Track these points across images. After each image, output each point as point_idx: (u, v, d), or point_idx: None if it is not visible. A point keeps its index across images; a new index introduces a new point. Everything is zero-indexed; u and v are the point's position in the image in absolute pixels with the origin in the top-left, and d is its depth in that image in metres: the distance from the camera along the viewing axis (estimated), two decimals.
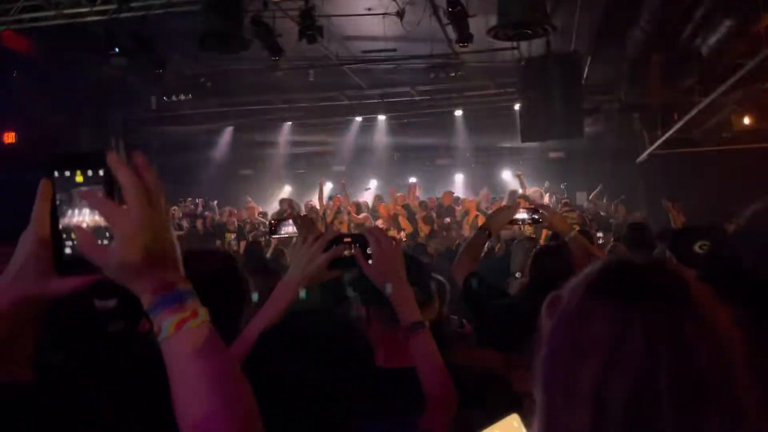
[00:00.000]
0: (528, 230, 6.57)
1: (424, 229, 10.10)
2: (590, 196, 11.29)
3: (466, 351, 2.09)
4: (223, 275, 1.87)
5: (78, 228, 0.91)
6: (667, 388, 0.78)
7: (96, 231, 0.93)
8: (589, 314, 0.84)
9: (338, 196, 11.53)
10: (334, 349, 1.65)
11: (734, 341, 0.82)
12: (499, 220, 2.88)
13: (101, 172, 0.94)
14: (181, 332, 0.88)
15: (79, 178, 0.95)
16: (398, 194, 11.65)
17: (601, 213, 10.80)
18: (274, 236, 3.17)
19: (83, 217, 0.95)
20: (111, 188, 0.94)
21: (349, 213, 10.88)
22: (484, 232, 2.80)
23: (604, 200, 11.30)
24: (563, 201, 11.13)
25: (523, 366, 0.95)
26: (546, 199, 11.15)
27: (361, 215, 10.78)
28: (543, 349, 0.88)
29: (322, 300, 2.80)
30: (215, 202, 12.80)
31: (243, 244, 10.69)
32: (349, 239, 1.52)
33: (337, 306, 2.45)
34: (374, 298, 1.58)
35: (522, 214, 2.79)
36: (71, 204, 0.95)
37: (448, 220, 10.15)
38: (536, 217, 2.76)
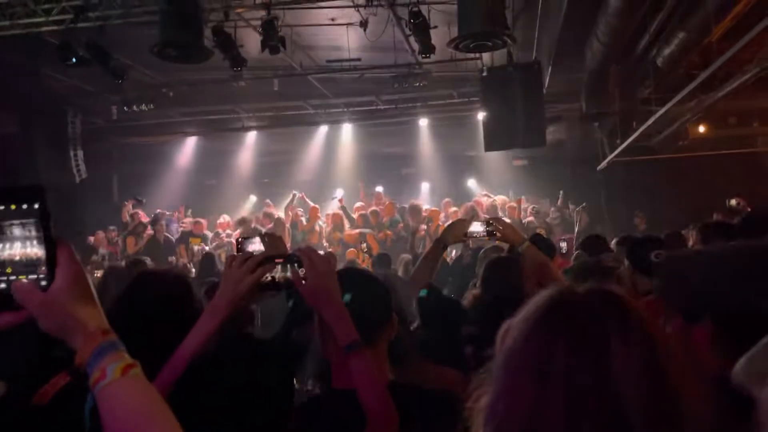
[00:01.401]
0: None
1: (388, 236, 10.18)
2: (558, 202, 11.43)
3: (423, 368, 2.08)
4: (176, 297, 1.84)
5: (20, 285, 0.91)
6: (592, 429, 0.79)
7: (28, 264, 0.92)
8: (519, 355, 0.86)
9: (315, 206, 11.50)
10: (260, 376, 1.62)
11: (680, 362, 0.83)
12: (453, 232, 2.92)
13: (36, 206, 0.92)
14: (127, 377, 0.89)
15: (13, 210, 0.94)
16: (359, 204, 11.71)
17: (567, 219, 11.00)
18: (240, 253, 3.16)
19: (15, 250, 0.93)
20: (47, 222, 0.93)
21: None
22: (440, 244, 2.85)
23: (569, 207, 11.48)
24: (530, 209, 11.30)
25: (478, 385, 0.95)
26: (523, 206, 11.35)
27: (354, 231, 10.65)
28: (494, 379, 0.89)
29: (289, 317, 2.79)
30: (182, 208, 12.62)
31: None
32: (280, 260, 1.50)
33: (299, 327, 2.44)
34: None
35: (476, 227, 2.83)
36: (3, 237, 0.93)
37: (423, 227, 10.11)
38: (490, 229, 2.79)
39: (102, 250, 10.73)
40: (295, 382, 2.07)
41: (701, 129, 11.17)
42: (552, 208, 11.67)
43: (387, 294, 1.87)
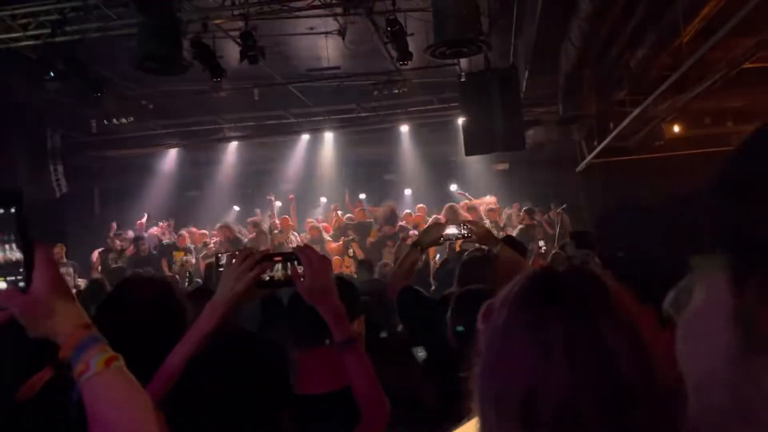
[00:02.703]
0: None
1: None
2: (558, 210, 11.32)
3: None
4: (159, 301, 1.88)
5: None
6: (592, 395, 0.80)
7: (6, 267, 0.96)
8: (514, 329, 0.86)
9: (286, 216, 11.49)
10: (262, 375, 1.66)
11: (653, 341, 0.85)
12: (430, 236, 2.99)
13: (13, 210, 0.96)
14: (110, 369, 0.93)
15: None
16: (338, 212, 11.77)
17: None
18: (221, 269, 3.20)
19: None
20: (23, 225, 0.97)
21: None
22: (417, 248, 2.92)
23: (550, 211, 11.58)
24: (523, 210, 11.36)
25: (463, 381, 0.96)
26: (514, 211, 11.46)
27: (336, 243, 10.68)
28: (477, 363, 0.89)
29: (264, 316, 2.83)
30: (171, 222, 12.54)
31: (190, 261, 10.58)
32: (278, 258, 1.51)
33: (273, 328, 2.48)
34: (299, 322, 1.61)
35: (452, 230, 2.90)
36: None
37: (413, 232, 10.13)
38: (465, 232, 2.86)
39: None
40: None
41: (676, 129, 11.36)
42: (537, 214, 11.75)
43: (353, 296, 1.91)
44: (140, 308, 1.83)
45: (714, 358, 0.63)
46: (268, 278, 1.49)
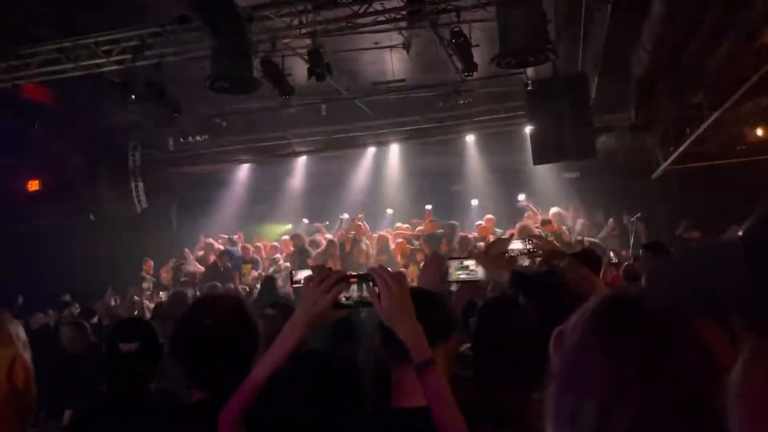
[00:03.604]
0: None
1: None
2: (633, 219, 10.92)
3: (482, 388, 2.11)
4: (233, 318, 1.95)
5: None
6: (666, 414, 0.81)
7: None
8: (588, 347, 0.88)
9: (361, 225, 11.65)
10: (341, 391, 1.68)
11: (726, 365, 0.85)
12: (495, 250, 2.95)
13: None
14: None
15: None
16: (413, 220, 11.77)
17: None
18: (293, 284, 3.29)
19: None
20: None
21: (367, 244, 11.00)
22: (437, 256, 2.88)
23: (624, 220, 11.19)
24: (580, 222, 11.06)
25: (537, 403, 0.99)
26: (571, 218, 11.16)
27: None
28: (551, 384, 0.91)
29: (332, 340, 2.86)
30: (238, 235, 12.98)
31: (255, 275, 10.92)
32: (354, 279, 1.53)
33: (344, 346, 2.50)
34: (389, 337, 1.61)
35: (517, 245, 2.86)
36: None
37: (481, 244, 10.07)
38: (530, 247, 2.81)
39: (148, 278, 11.12)
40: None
41: (759, 132, 10.77)
42: (611, 221, 11.39)
43: (443, 314, 1.88)
44: (215, 324, 1.90)
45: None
46: (344, 299, 1.51)
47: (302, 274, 2.57)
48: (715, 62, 7.86)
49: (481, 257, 2.93)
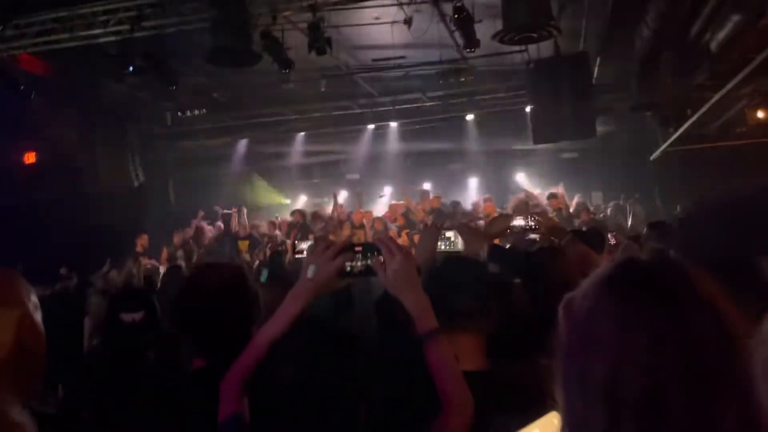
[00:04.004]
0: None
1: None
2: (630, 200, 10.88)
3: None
4: (234, 286, 1.94)
5: None
6: (677, 381, 0.81)
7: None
8: (599, 313, 0.88)
9: (360, 212, 11.58)
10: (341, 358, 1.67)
11: (739, 330, 0.85)
12: (497, 226, 2.94)
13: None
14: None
15: None
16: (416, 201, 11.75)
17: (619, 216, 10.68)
18: (297, 255, 3.29)
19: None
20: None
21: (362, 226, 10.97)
22: (434, 227, 2.87)
23: (621, 201, 11.20)
24: (575, 202, 11.04)
25: (544, 368, 0.98)
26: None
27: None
28: (560, 349, 0.92)
29: (333, 308, 2.87)
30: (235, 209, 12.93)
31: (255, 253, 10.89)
32: (359, 248, 1.51)
33: (344, 314, 2.51)
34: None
35: (519, 221, 2.86)
36: None
37: (481, 222, 10.04)
38: (533, 224, 2.81)
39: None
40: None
41: (760, 114, 10.74)
42: (611, 203, 11.37)
43: (480, 285, 1.85)
44: (216, 292, 1.89)
45: None
46: (349, 268, 1.49)
47: (305, 245, 2.57)
48: (718, 43, 7.80)
49: (462, 228, 2.93)
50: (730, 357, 0.82)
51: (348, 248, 1.51)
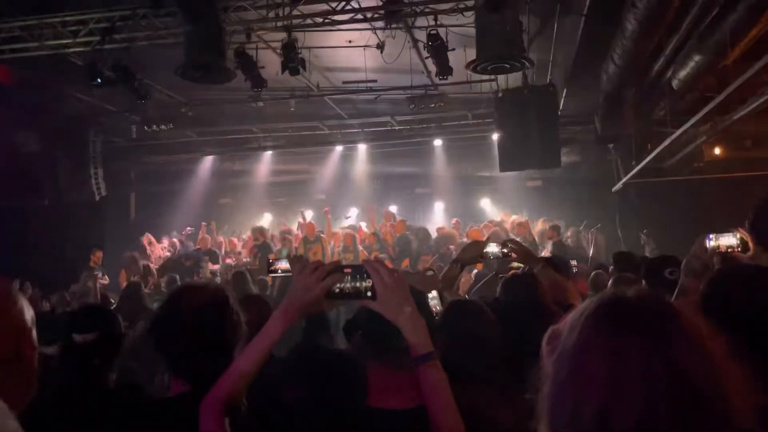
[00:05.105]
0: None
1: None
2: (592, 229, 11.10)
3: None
4: (216, 308, 1.90)
5: None
6: (669, 411, 0.82)
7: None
8: (589, 347, 0.88)
9: (311, 222, 11.63)
10: (335, 384, 1.63)
11: (722, 357, 0.87)
12: (470, 253, 2.97)
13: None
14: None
15: None
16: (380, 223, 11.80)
17: (583, 244, 10.92)
18: (270, 274, 3.20)
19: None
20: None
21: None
22: (457, 264, 2.89)
23: (581, 228, 11.45)
24: (549, 227, 11.22)
25: (514, 401, 0.98)
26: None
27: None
28: (547, 384, 0.91)
29: (305, 332, 2.83)
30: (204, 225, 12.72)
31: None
32: (349, 269, 1.48)
33: (319, 338, 2.47)
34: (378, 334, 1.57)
35: (492, 248, 2.88)
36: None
37: (452, 247, 10.11)
38: (506, 251, 2.84)
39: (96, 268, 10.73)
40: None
41: (717, 151, 11.16)
42: (570, 230, 11.61)
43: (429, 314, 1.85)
44: (197, 313, 1.85)
45: None
46: (338, 290, 1.46)
47: (281, 264, 2.53)
48: (680, 81, 8.11)
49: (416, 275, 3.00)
50: (718, 387, 0.84)
51: (337, 270, 1.47)
